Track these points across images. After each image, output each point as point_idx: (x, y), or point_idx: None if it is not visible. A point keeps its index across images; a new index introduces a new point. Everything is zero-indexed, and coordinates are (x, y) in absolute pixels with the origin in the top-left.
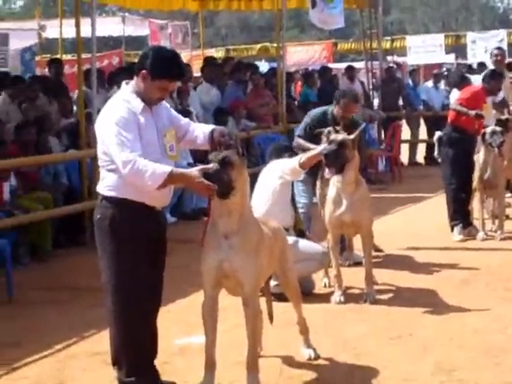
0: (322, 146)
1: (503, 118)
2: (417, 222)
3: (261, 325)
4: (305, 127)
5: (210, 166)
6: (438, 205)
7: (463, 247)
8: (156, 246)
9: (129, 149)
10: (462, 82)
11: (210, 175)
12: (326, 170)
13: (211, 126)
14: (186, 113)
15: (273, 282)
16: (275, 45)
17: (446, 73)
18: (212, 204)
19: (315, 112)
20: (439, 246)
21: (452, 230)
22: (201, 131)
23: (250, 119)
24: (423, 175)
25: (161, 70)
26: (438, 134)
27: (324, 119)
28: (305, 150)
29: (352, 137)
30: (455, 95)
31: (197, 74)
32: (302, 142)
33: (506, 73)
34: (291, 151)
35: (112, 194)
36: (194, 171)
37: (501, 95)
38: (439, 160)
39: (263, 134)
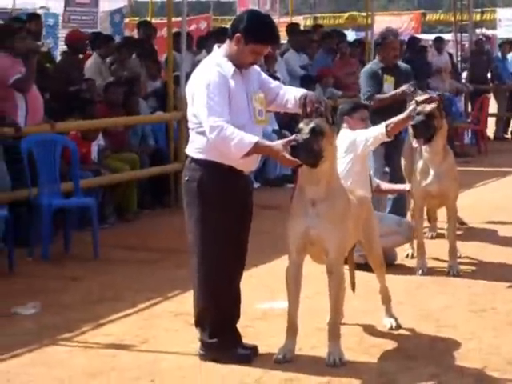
0: (408, 111)
1: None
2: (501, 196)
3: (343, 293)
4: (369, 89)
5: (299, 136)
6: None
7: None
8: (242, 210)
9: (217, 113)
10: None
11: (300, 144)
12: (414, 140)
13: (302, 91)
14: (273, 79)
15: (357, 253)
16: (363, 14)
17: None
18: (300, 171)
19: (366, 72)
20: None
21: None
22: (291, 95)
23: (336, 88)
24: (509, 149)
25: (255, 33)
26: None
27: (376, 74)
28: (384, 106)
29: (436, 105)
30: None
31: (283, 41)
32: (381, 96)
33: None
34: (363, 108)
35: (201, 156)
36: (280, 144)
37: None
38: None
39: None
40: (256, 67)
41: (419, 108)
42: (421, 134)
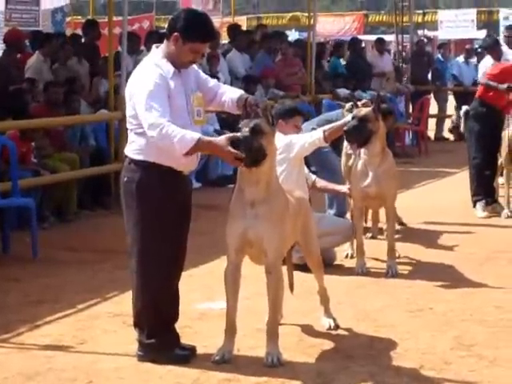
0: (347, 118)
1: None
2: (441, 197)
3: (282, 293)
4: None
5: (239, 133)
6: (463, 180)
7: (487, 224)
8: (181, 211)
9: (159, 112)
10: (494, 46)
11: (241, 143)
12: (349, 146)
13: (240, 92)
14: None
15: (295, 253)
16: (306, 14)
17: (478, 50)
18: (239, 172)
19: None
20: (463, 222)
21: (474, 205)
22: (230, 96)
23: (278, 88)
24: (449, 150)
25: (192, 32)
26: (464, 108)
27: None
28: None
29: (371, 108)
30: (485, 64)
31: (226, 41)
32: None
33: None
34: (299, 115)
35: (140, 157)
36: (222, 139)
37: None
38: (465, 135)
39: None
40: (194, 66)
41: (354, 112)
42: (354, 139)
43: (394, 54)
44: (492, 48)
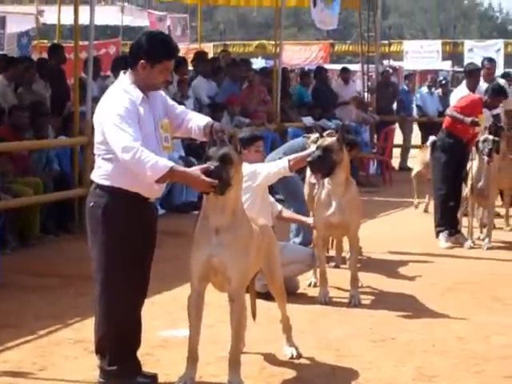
0: (312, 148)
1: (499, 124)
2: (405, 227)
3: (245, 321)
4: None
5: (209, 164)
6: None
7: (450, 254)
8: (146, 237)
9: (131, 137)
10: (474, 72)
11: (211, 173)
12: (313, 176)
13: (207, 119)
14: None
15: (259, 281)
16: (272, 42)
17: (443, 81)
18: (205, 199)
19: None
20: (426, 252)
21: (437, 236)
22: (197, 122)
23: (244, 115)
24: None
25: (157, 52)
26: (431, 138)
27: None
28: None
29: (335, 139)
30: (460, 93)
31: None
32: None
33: (498, 80)
34: (259, 139)
35: (107, 182)
36: (196, 170)
37: (497, 110)
38: (431, 165)
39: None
40: (162, 93)
41: (319, 142)
42: (317, 169)
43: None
44: (471, 75)
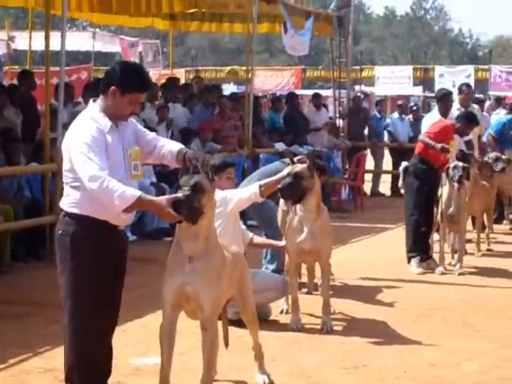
0: (282, 174)
1: (467, 152)
2: (377, 253)
3: (217, 349)
4: None
5: (180, 194)
6: (398, 236)
7: (422, 280)
8: (116, 265)
9: (98, 166)
10: (446, 97)
11: (182, 203)
12: (284, 203)
13: (179, 145)
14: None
15: (231, 308)
16: (244, 68)
17: (414, 107)
18: (178, 227)
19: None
20: (398, 278)
21: (409, 261)
22: (169, 149)
23: (215, 142)
24: (386, 206)
25: (129, 82)
26: (404, 164)
27: None
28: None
29: (306, 166)
30: (432, 118)
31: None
32: None
33: (472, 107)
34: (231, 166)
35: (75, 210)
36: (163, 200)
37: (469, 137)
38: (402, 191)
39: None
40: (133, 120)
41: (289, 169)
42: (288, 196)
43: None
44: (443, 100)
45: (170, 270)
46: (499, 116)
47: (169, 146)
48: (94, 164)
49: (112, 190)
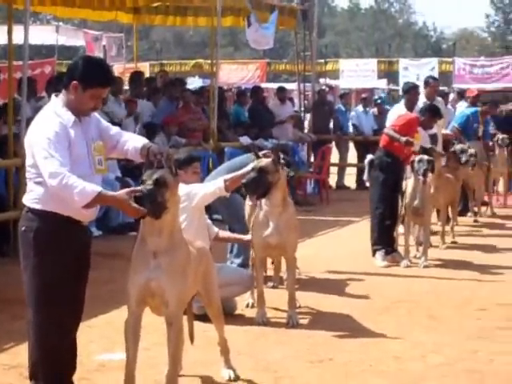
0: (247, 168)
1: (427, 146)
2: (342, 246)
3: (182, 344)
4: None
5: (142, 187)
6: (364, 229)
7: (387, 273)
8: (80, 261)
9: (59, 162)
10: (413, 90)
11: (144, 196)
12: (249, 197)
13: (143, 140)
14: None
15: (196, 303)
16: (209, 61)
17: (378, 101)
18: (142, 222)
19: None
20: (363, 271)
21: (374, 254)
22: (133, 144)
23: (180, 136)
24: (351, 199)
25: (92, 77)
26: (369, 157)
27: None
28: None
29: (270, 160)
30: (398, 111)
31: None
32: None
33: (437, 100)
34: (197, 161)
35: (38, 206)
36: (124, 194)
37: (434, 130)
38: (368, 184)
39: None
40: (96, 115)
41: (254, 163)
42: (252, 191)
43: (297, 103)
44: (409, 93)
45: (134, 266)
46: (463, 109)
47: (133, 141)
48: (54, 160)
49: (72, 186)
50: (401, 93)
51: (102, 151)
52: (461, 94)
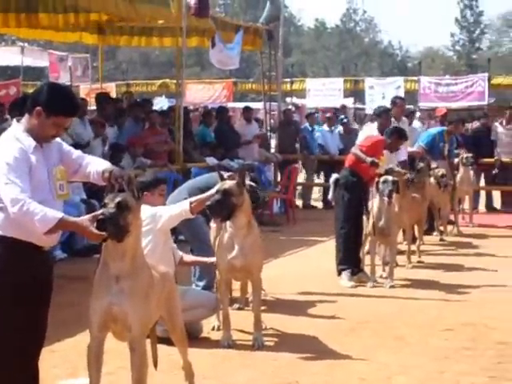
0: (213, 191)
1: (387, 168)
2: (308, 266)
3: (146, 369)
4: None
5: (105, 210)
6: (331, 248)
7: (353, 293)
8: (42, 286)
9: (19, 188)
10: (385, 113)
11: (106, 219)
12: (213, 220)
13: (106, 163)
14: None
15: (160, 327)
16: (175, 81)
17: (344, 120)
18: (104, 246)
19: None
20: (329, 292)
21: (339, 274)
22: (95, 167)
23: (145, 157)
24: (318, 218)
25: (56, 105)
26: (334, 176)
27: None
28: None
29: (235, 182)
30: (370, 131)
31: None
32: None
33: (402, 120)
34: (163, 183)
35: None
36: (85, 220)
37: (404, 156)
38: (333, 203)
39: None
40: (58, 139)
41: (218, 186)
42: (216, 213)
43: (262, 122)
44: (381, 116)
45: (96, 291)
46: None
47: (95, 165)
48: (15, 186)
49: (33, 212)
50: (367, 111)
51: (63, 176)
52: (430, 114)
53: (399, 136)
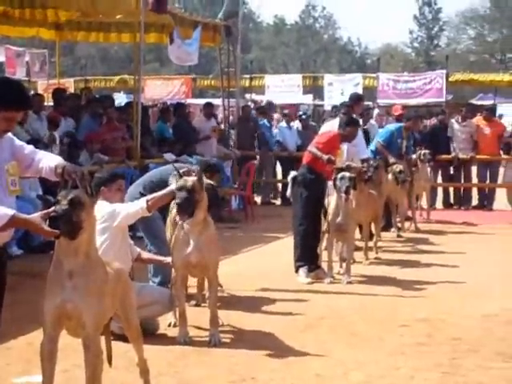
0: (170, 188)
1: (343, 165)
2: (266, 263)
3: (101, 366)
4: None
5: (58, 207)
6: (289, 245)
7: (310, 290)
8: None
9: None
10: (359, 100)
11: (59, 216)
12: (178, 216)
13: (58, 158)
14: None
15: (115, 324)
16: (133, 77)
17: (303, 116)
18: (57, 243)
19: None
20: (287, 288)
21: (297, 271)
22: (47, 163)
23: (103, 153)
24: (276, 215)
25: (6, 100)
26: (292, 173)
27: None
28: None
29: (196, 178)
30: (332, 126)
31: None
32: None
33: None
34: (121, 178)
35: None
36: (37, 217)
37: (365, 154)
38: (291, 200)
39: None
40: (9, 134)
41: (181, 182)
42: (185, 211)
43: (221, 119)
44: (356, 102)
45: (50, 288)
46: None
47: (47, 160)
48: None
49: None
50: (326, 108)
51: (15, 172)
52: (387, 111)
53: (353, 124)
